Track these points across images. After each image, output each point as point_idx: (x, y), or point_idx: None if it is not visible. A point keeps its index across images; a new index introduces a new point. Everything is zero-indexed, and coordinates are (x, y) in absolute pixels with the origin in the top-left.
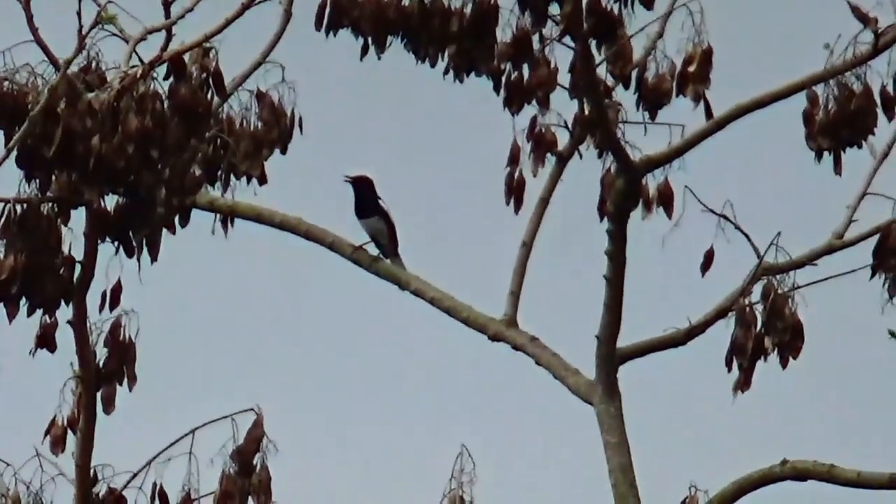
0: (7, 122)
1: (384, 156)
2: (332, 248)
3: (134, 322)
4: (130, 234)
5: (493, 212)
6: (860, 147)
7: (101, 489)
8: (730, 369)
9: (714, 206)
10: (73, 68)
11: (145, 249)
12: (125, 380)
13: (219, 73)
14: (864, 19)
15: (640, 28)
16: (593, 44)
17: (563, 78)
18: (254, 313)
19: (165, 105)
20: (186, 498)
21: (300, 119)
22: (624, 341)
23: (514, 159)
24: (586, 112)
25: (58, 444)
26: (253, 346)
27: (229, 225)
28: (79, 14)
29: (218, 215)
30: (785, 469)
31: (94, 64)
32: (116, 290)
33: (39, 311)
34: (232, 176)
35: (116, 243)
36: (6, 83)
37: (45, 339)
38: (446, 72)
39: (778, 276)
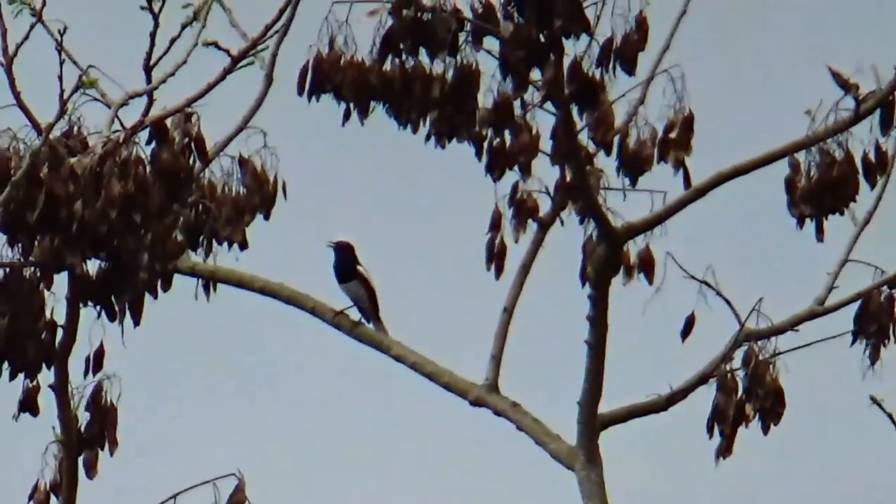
0: None
1: (366, 221)
2: (313, 312)
3: (116, 386)
4: (113, 298)
5: (475, 277)
6: (842, 214)
7: None
8: (711, 435)
9: (696, 272)
10: (56, 133)
11: (128, 314)
12: (107, 444)
13: (201, 138)
14: (846, 85)
15: (621, 94)
16: (575, 110)
17: (545, 144)
18: (236, 377)
19: (148, 170)
20: None
21: (283, 184)
22: (605, 407)
23: (495, 225)
24: (568, 178)
25: None
26: (235, 410)
27: (212, 289)
28: (60, 78)
29: (200, 280)
30: None
31: (76, 128)
32: (99, 355)
33: (22, 376)
34: (214, 241)
35: (99, 307)
36: None
37: (28, 404)
38: (428, 137)
39: (759, 342)
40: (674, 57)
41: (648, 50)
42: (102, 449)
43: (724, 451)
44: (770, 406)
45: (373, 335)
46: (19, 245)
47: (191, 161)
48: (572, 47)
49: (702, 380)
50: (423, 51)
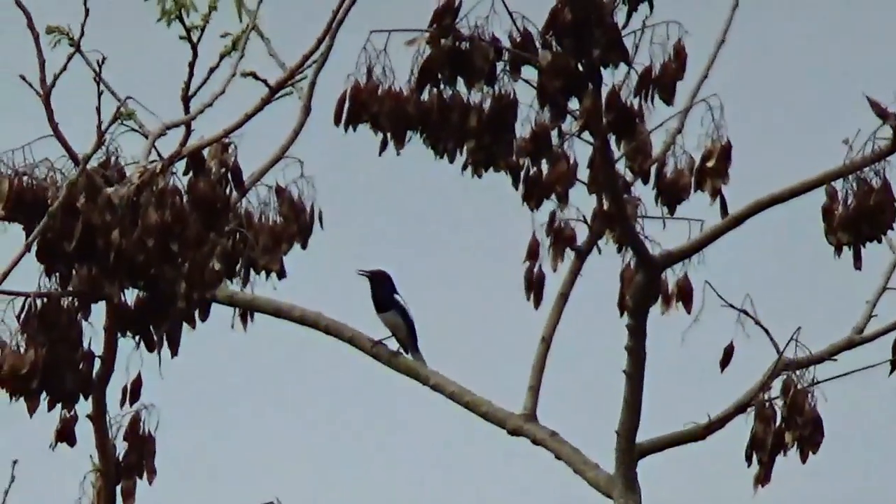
0: (27, 217)
1: (403, 250)
2: (351, 342)
3: (153, 415)
4: (150, 328)
5: (513, 307)
6: (879, 242)
7: None
8: (749, 464)
9: (734, 301)
10: (93, 163)
11: (165, 343)
12: (145, 473)
13: (237, 168)
14: (883, 114)
15: (659, 123)
16: (612, 139)
17: (582, 173)
18: (273, 407)
19: (185, 199)
20: None
21: (320, 213)
22: (643, 436)
23: (532, 254)
24: (605, 207)
25: None
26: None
27: (249, 319)
28: (98, 110)
29: (237, 309)
30: None
31: (113, 159)
32: (136, 385)
33: (59, 406)
34: (251, 270)
35: (136, 337)
36: (26, 178)
37: (65, 433)
38: (465, 167)
39: (797, 372)
40: (712, 86)
41: (686, 79)
42: (140, 478)
43: (762, 479)
44: (808, 434)
45: (411, 365)
46: (57, 275)
47: (227, 191)
48: (610, 76)
49: (740, 409)
50: (460, 80)
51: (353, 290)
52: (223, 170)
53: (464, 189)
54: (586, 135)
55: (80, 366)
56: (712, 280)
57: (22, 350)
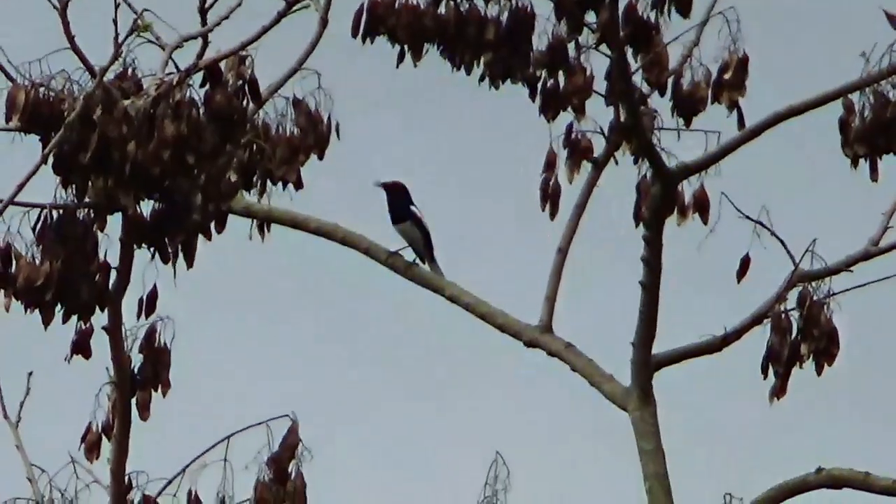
0: (44, 129)
1: (420, 162)
2: (367, 253)
3: (169, 328)
4: (166, 240)
5: (529, 218)
6: None
7: (135, 496)
8: (766, 376)
9: (750, 213)
10: (110, 75)
11: (181, 255)
12: (160, 386)
13: (254, 81)
14: None
15: (675, 36)
16: (629, 51)
17: (599, 85)
18: (289, 319)
19: (201, 112)
20: None
21: (337, 125)
22: (659, 348)
23: (549, 166)
24: (622, 119)
25: (92, 451)
26: (288, 351)
27: (266, 230)
28: (115, 22)
29: (254, 221)
30: (820, 477)
31: (129, 71)
32: (152, 297)
33: (75, 318)
34: (268, 182)
35: (152, 249)
36: (42, 90)
37: (81, 346)
38: (482, 79)
39: (813, 283)
40: None
41: None
42: (156, 390)
43: (779, 391)
44: (824, 347)
45: (427, 276)
46: (73, 186)
47: (244, 103)
48: None
49: (756, 321)
50: None
51: (369, 202)
52: (240, 82)
53: (481, 101)
54: (603, 47)
55: (96, 277)
56: (729, 192)
57: (37, 262)
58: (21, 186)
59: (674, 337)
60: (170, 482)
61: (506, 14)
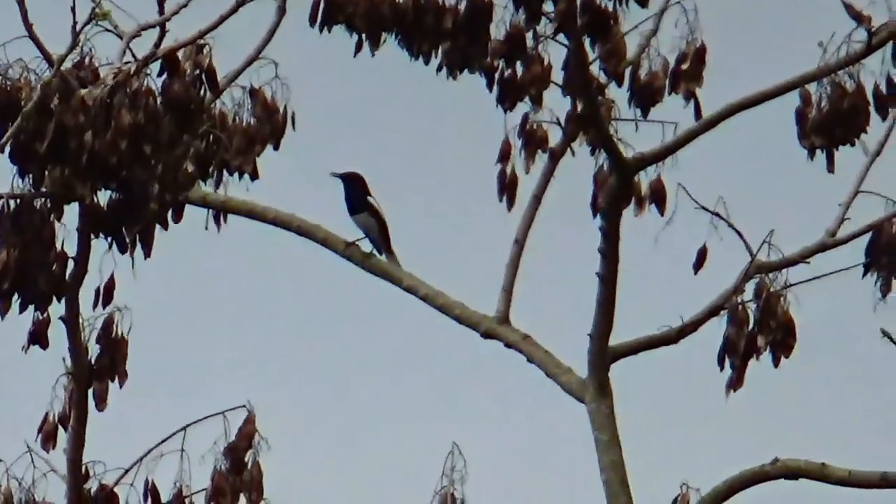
0: (0, 118)
1: (377, 152)
2: (324, 244)
3: (127, 318)
4: (123, 229)
5: (486, 209)
6: (853, 145)
7: (92, 485)
8: (722, 368)
9: (707, 204)
10: (67, 64)
11: (139, 245)
12: (117, 377)
13: (212, 70)
14: (858, 17)
15: (634, 26)
16: (587, 41)
17: (557, 75)
18: (246, 309)
19: (158, 101)
20: (178, 495)
21: (293, 115)
22: (616, 339)
23: (505, 156)
24: (579, 109)
25: (49, 441)
26: (245, 342)
27: (222, 221)
28: (73, 10)
29: (211, 211)
30: (776, 467)
31: (87, 60)
32: (109, 287)
33: (32, 307)
34: (225, 172)
35: (110, 239)
36: (0, 79)
37: (38, 336)
38: (440, 68)
39: (771, 275)
40: None
41: None
42: (113, 381)
43: (735, 383)
44: (781, 338)
45: (384, 267)
46: (30, 176)
47: (202, 92)
48: None
49: (713, 312)
50: None
51: (326, 192)
52: (197, 71)
53: (438, 91)
54: (561, 37)
55: (53, 267)
56: (686, 183)
57: None
58: None
59: (631, 328)
60: (126, 472)
61: (464, 3)
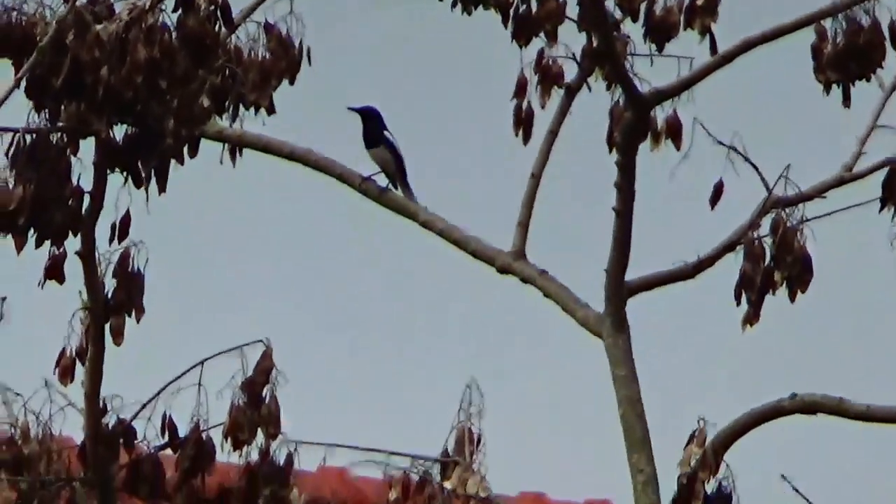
0: (16, 53)
1: (393, 88)
2: (340, 178)
3: (142, 253)
4: (139, 164)
5: (503, 144)
6: (868, 80)
7: (110, 420)
8: (738, 303)
9: (723, 139)
10: (82, 0)
11: (154, 180)
12: (133, 311)
13: (227, 5)
14: None
15: None
16: None
17: (572, 11)
18: (263, 245)
19: (173, 36)
20: (195, 429)
21: (308, 50)
22: (632, 274)
23: (520, 91)
24: (594, 44)
25: (67, 375)
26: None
27: (238, 155)
28: None
29: (226, 145)
30: (794, 402)
31: None
32: (125, 222)
33: (48, 243)
34: (240, 106)
35: (125, 174)
36: (15, 14)
37: (54, 271)
38: (454, 4)
39: (787, 210)
40: None
41: None
42: (129, 315)
43: (752, 318)
44: (797, 273)
45: (400, 202)
46: (46, 111)
47: (217, 27)
48: None
49: (729, 247)
50: None
51: (342, 127)
52: (212, 6)
53: (453, 26)
54: None
55: (69, 202)
56: (702, 118)
57: (10, 186)
58: None
59: (647, 264)
60: (144, 406)
61: None
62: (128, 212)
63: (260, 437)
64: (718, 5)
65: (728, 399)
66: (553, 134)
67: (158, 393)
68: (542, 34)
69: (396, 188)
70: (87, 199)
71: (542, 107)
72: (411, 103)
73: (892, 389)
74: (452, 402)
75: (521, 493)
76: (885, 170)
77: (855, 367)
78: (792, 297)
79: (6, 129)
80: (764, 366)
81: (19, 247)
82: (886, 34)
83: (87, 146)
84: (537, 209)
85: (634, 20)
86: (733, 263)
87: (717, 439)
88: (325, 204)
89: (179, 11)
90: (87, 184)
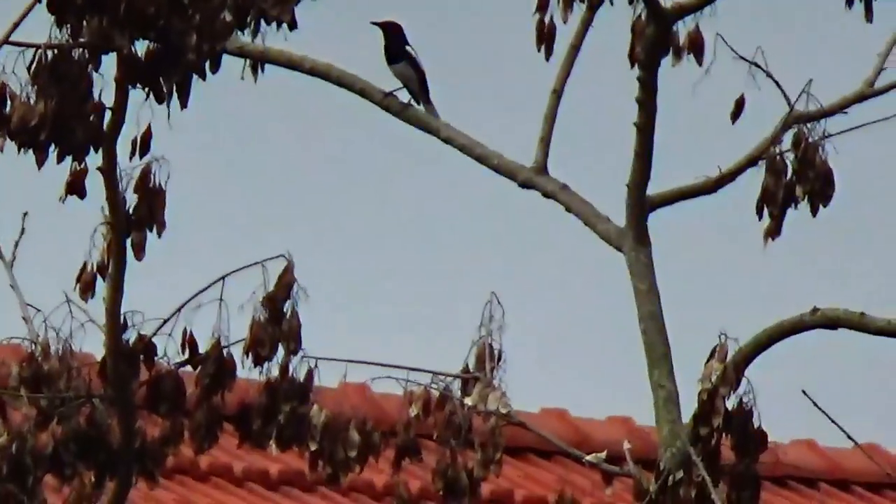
0: None
1: (415, 3)
2: (362, 94)
3: (164, 169)
4: (161, 79)
5: (523, 59)
6: None
7: (130, 336)
8: (760, 217)
9: (745, 55)
10: None
11: (175, 96)
12: (155, 226)
13: None
14: None
15: None
16: None
17: None
18: (284, 160)
19: None
20: (216, 345)
21: None
22: (654, 189)
23: (542, 5)
24: None
25: (87, 291)
26: (283, 192)
27: (259, 71)
28: None
29: (247, 60)
30: (815, 317)
31: None
32: (146, 137)
33: (69, 158)
34: (262, 22)
35: (147, 89)
36: None
37: (75, 186)
38: None
39: (808, 124)
40: None
41: None
42: (150, 230)
43: (773, 232)
44: (819, 188)
45: (422, 117)
46: (67, 26)
47: None
48: None
49: (751, 161)
50: None
51: (363, 43)
52: None
53: None
54: None
55: (91, 118)
56: (724, 33)
57: (32, 102)
58: (16, 25)
59: (669, 179)
60: (165, 322)
61: None
62: (149, 127)
63: (280, 353)
64: None
65: (749, 314)
66: (575, 48)
67: (179, 309)
68: None
69: (419, 104)
70: (108, 115)
71: (564, 21)
72: (433, 18)
73: None
74: (473, 317)
75: (543, 410)
76: None
77: (876, 281)
78: (814, 212)
79: (28, 45)
80: (785, 281)
81: (40, 162)
82: None
83: (109, 62)
84: (559, 125)
85: None
86: (755, 178)
87: (738, 355)
88: (346, 120)
89: None
90: (108, 99)
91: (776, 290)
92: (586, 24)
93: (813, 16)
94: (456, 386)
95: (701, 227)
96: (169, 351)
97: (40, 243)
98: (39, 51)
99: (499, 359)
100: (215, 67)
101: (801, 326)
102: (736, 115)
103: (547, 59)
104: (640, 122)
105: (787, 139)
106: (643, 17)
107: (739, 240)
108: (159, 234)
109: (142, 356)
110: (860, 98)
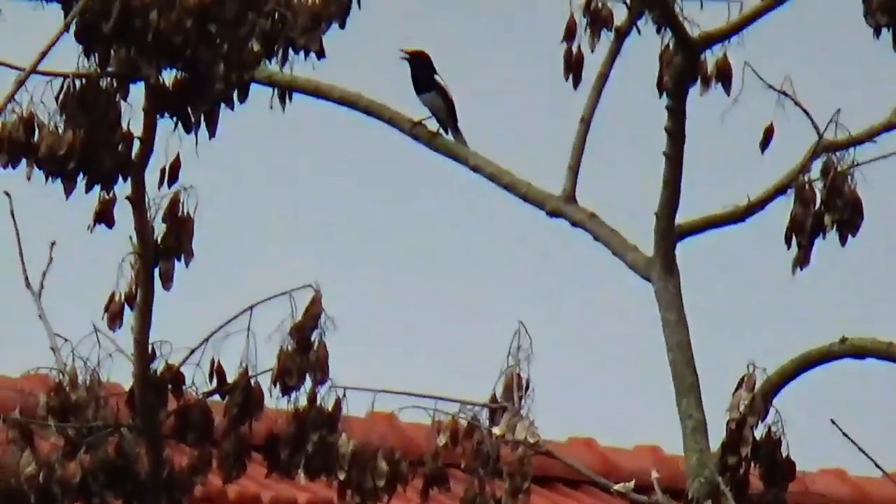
0: None
1: (442, 32)
2: (391, 122)
3: (192, 198)
4: (189, 109)
5: (552, 88)
6: None
7: (158, 365)
8: (789, 246)
9: (773, 83)
10: None
11: (203, 125)
12: (183, 255)
13: None
14: None
15: None
16: None
17: None
18: (312, 189)
19: None
20: (244, 374)
21: None
22: (683, 218)
23: (570, 34)
24: None
25: (115, 320)
26: (311, 222)
27: (287, 100)
28: None
29: (276, 90)
30: (844, 346)
31: None
32: (175, 166)
33: (97, 187)
34: (290, 50)
35: (175, 118)
36: None
37: (104, 215)
38: None
39: (837, 153)
40: None
41: None
42: (178, 260)
43: (802, 261)
44: (848, 217)
45: (451, 146)
46: (95, 55)
47: None
48: None
49: (779, 190)
50: None
51: (392, 72)
52: None
53: None
54: None
55: (119, 147)
56: (752, 61)
57: (60, 131)
58: (43, 55)
59: (697, 208)
60: (193, 351)
61: None
62: (177, 156)
63: (308, 382)
64: None
65: (778, 344)
66: (603, 77)
67: (207, 338)
68: None
69: (447, 133)
70: (136, 144)
71: (592, 50)
72: (461, 47)
73: None
74: (501, 347)
75: (570, 439)
76: None
77: None
78: (842, 241)
79: (56, 74)
80: (814, 310)
81: (69, 191)
82: None
83: (137, 91)
84: (587, 153)
85: None
86: (784, 207)
87: (766, 384)
88: (374, 149)
89: None
90: (136, 128)
91: (805, 319)
92: (614, 53)
93: (841, 45)
94: (484, 415)
95: (730, 257)
96: (197, 380)
97: (68, 273)
98: (67, 80)
99: (527, 388)
100: (243, 96)
101: (829, 356)
102: (765, 143)
103: (575, 87)
104: (669, 150)
105: (816, 168)
106: (671, 46)
107: (768, 269)
108: (187, 264)
109: (170, 386)
110: (889, 127)
